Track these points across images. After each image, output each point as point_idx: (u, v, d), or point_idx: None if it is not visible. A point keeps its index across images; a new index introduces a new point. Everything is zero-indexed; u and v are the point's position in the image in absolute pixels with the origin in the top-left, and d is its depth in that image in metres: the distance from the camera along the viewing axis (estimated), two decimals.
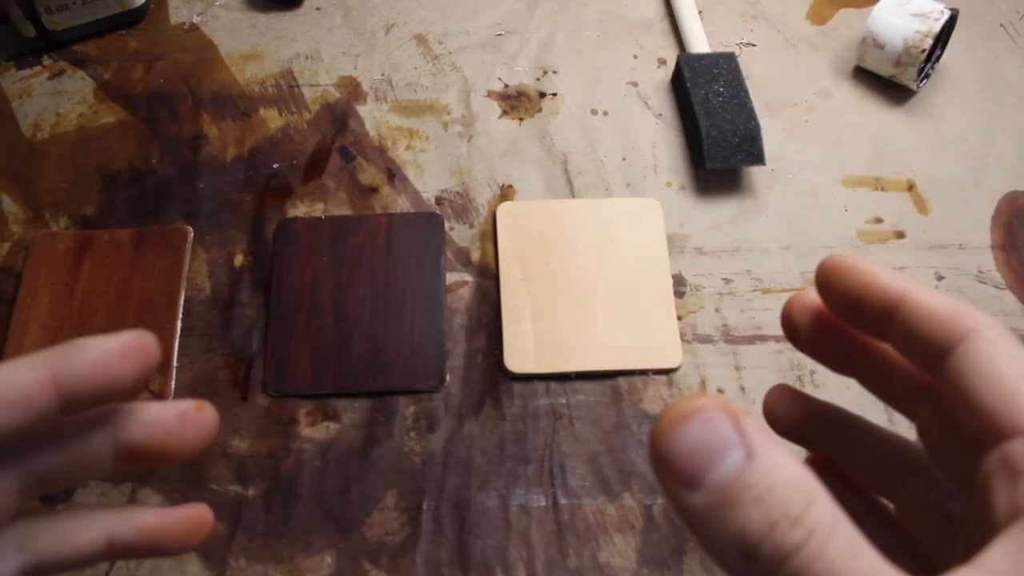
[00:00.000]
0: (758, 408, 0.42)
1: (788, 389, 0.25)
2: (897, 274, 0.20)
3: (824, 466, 0.26)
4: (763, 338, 0.44)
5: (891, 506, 0.24)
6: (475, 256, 0.47)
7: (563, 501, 0.40)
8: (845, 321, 0.22)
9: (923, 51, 0.49)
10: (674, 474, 0.15)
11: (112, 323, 0.44)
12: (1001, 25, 0.56)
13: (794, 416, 0.25)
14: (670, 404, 0.17)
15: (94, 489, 0.40)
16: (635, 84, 0.53)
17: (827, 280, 0.22)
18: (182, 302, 0.45)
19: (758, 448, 0.15)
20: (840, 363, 0.24)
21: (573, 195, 0.48)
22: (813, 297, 0.23)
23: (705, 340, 0.44)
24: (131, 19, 0.55)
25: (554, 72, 0.53)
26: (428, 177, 0.49)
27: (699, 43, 0.53)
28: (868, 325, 0.21)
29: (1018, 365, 0.17)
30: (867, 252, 0.47)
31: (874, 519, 0.24)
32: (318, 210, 0.48)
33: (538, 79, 0.53)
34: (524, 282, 0.45)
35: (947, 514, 0.21)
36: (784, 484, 0.15)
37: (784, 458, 0.15)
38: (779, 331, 0.44)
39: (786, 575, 0.14)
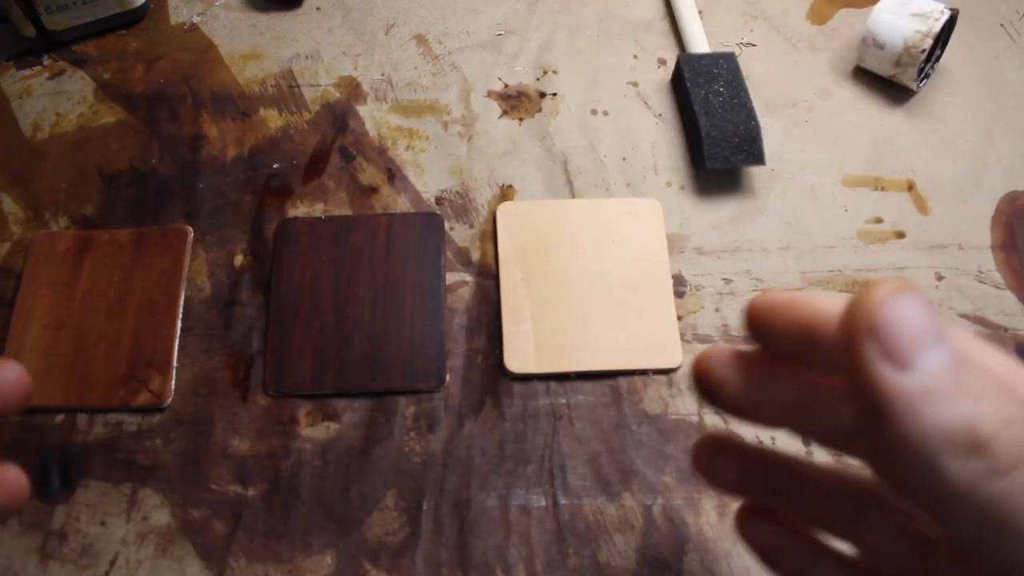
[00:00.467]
0: None
1: (719, 441, 0.23)
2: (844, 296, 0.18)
3: (762, 514, 0.24)
4: None
5: (846, 546, 0.22)
6: (475, 256, 0.47)
7: (563, 501, 0.40)
8: (785, 363, 0.20)
9: (923, 51, 0.49)
10: (885, 348, 0.14)
11: (112, 323, 0.44)
12: (1001, 25, 0.56)
13: (733, 469, 0.23)
14: (872, 283, 0.15)
15: (94, 489, 0.40)
16: (635, 84, 0.53)
17: (769, 320, 0.19)
18: (182, 302, 0.45)
19: (960, 343, 0.14)
20: (771, 414, 0.21)
21: (573, 195, 0.48)
22: (725, 348, 0.21)
23: (705, 340, 0.44)
24: (131, 19, 0.55)
25: (554, 72, 0.53)
26: (428, 177, 0.49)
27: (699, 43, 0.53)
28: (818, 360, 0.19)
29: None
30: (867, 252, 0.47)
31: (827, 563, 0.22)
32: (318, 210, 0.48)
33: (538, 79, 0.53)
34: (524, 282, 0.45)
35: (914, 537, 0.19)
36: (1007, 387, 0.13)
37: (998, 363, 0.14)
38: None
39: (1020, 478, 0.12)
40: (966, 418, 0.13)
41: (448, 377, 0.43)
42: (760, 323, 0.20)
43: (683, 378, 0.43)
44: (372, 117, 0.51)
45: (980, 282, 0.46)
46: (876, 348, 0.14)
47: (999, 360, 0.15)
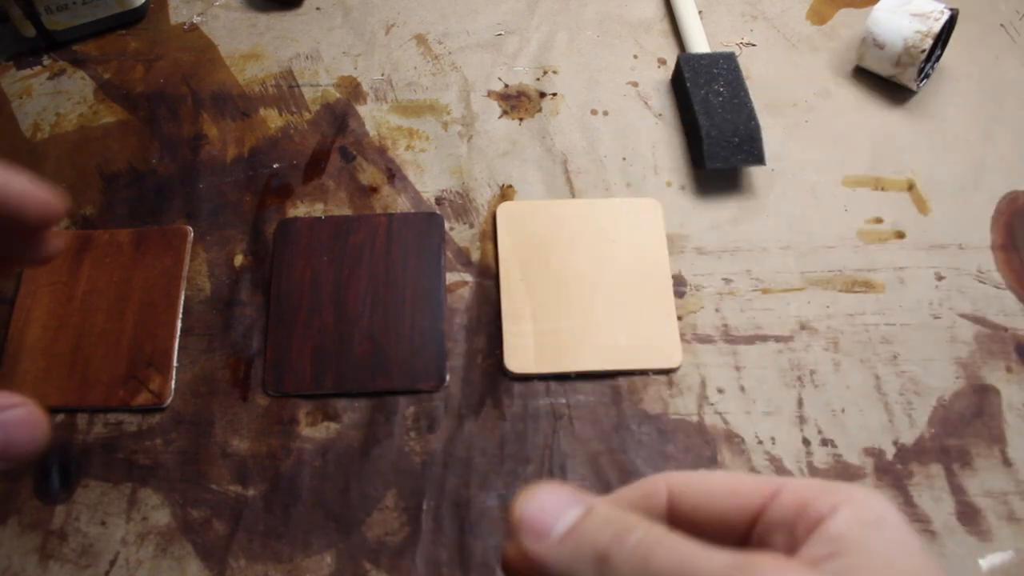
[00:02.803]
0: (759, 407, 0.42)
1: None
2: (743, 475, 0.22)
3: None
4: (763, 338, 0.44)
5: None
6: (475, 256, 0.47)
7: None
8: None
9: (923, 51, 0.49)
10: (527, 530, 0.19)
11: (112, 323, 0.44)
12: (1001, 25, 0.56)
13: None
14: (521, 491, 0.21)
15: (94, 489, 0.40)
16: (635, 84, 0.53)
17: (678, 506, 0.21)
18: (182, 302, 0.45)
19: (592, 501, 0.20)
20: None
21: (573, 195, 0.48)
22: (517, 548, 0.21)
23: (705, 340, 0.44)
24: (131, 19, 0.55)
25: (554, 72, 0.53)
26: (428, 177, 0.49)
27: (699, 43, 0.53)
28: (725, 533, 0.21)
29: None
30: (867, 252, 0.47)
31: None
32: (318, 210, 0.48)
33: (538, 79, 0.53)
34: (524, 282, 0.45)
35: None
36: (618, 512, 0.19)
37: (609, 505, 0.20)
38: (779, 331, 0.44)
39: (634, 564, 0.18)
40: (590, 547, 0.19)
41: (448, 377, 0.43)
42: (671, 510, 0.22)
43: (683, 378, 0.43)
44: (372, 117, 0.51)
45: (980, 282, 0.46)
46: (524, 531, 0.20)
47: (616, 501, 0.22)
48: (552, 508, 0.20)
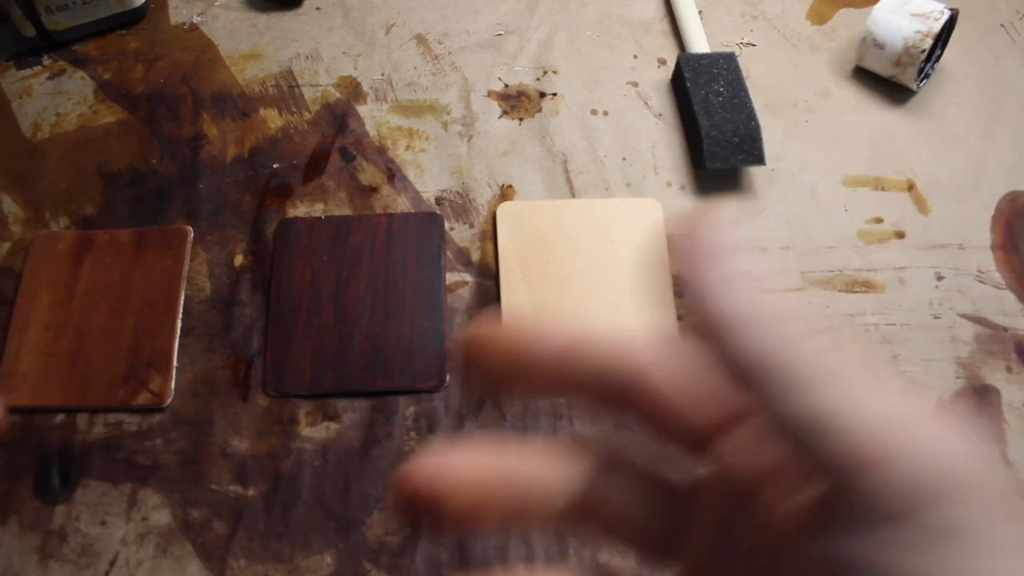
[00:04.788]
0: None
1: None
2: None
3: None
4: None
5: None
6: (475, 256, 0.47)
7: None
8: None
9: (923, 51, 0.49)
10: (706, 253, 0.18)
11: (112, 323, 0.44)
12: (1001, 25, 0.56)
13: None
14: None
15: (94, 489, 0.40)
16: (635, 84, 0.53)
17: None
18: (182, 302, 0.45)
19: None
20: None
21: (573, 195, 0.48)
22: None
23: None
24: (131, 19, 0.55)
25: (554, 72, 0.53)
26: (428, 177, 0.49)
27: (699, 43, 0.53)
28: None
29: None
30: (867, 252, 0.47)
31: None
32: (318, 210, 0.48)
33: (538, 79, 0.53)
34: (524, 282, 0.45)
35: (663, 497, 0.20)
36: None
37: None
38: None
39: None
40: (773, 305, 0.17)
41: (448, 377, 0.43)
42: (469, 356, 0.20)
43: None
44: (372, 117, 0.51)
45: (980, 282, 0.46)
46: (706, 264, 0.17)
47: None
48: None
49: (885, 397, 0.15)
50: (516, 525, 0.20)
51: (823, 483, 0.15)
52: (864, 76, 0.53)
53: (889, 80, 0.52)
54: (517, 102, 0.52)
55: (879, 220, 0.48)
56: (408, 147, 0.50)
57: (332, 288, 0.45)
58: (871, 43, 0.50)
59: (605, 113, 0.51)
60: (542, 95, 0.52)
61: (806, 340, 0.16)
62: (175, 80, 0.53)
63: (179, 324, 0.44)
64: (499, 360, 0.20)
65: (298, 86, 0.52)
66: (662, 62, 0.54)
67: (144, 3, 0.54)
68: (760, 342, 0.16)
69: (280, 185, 0.49)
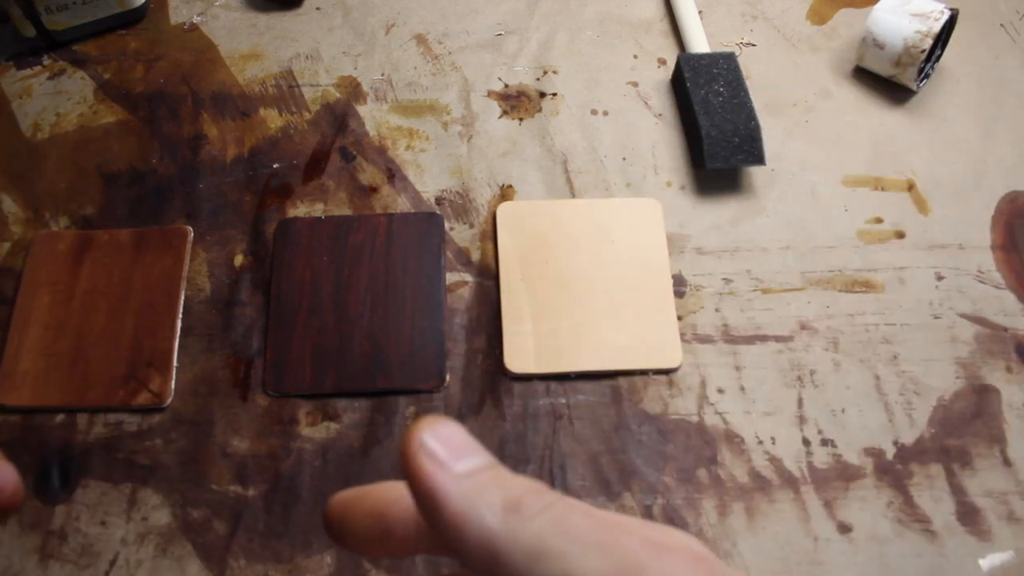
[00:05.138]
0: (759, 407, 0.42)
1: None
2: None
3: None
4: (763, 338, 0.44)
5: None
6: (475, 256, 0.47)
7: None
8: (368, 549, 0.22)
9: (923, 51, 0.49)
10: (432, 454, 0.17)
11: (112, 323, 0.44)
12: (1001, 25, 0.56)
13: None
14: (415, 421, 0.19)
15: (94, 489, 0.40)
16: (635, 84, 0.53)
17: (344, 516, 0.21)
18: (182, 302, 0.45)
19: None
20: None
21: (573, 195, 0.48)
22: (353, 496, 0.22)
23: (705, 340, 0.44)
24: (131, 19, 0.55)
25: (554, 72, 0.53)
26: (428, 177, 0.49)
27: (699, 43, 0.53)
28: (395, 543, 0.21)
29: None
30: (867, 252, 0.47)
31: None
32: (318, 210, 0.48)
33: (538, 79, 0.53)
34: (524, 282, 0.45)
35: None
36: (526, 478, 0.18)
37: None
38: (779, 331, 0.44)
39: (550, 517, 0.17)
40: (502, 494, 0.17)
41: (448, 377, 0.43)
42: (336, 523, 0.22)
43: (683, 378, 0.43)
44: (372, 117, 0.51)
45: (980, 282, 0.46)
46: (426, 454, 0.17)
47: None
48: (460, 444, 0.18)
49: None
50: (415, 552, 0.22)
51: None
52: (864, 76, 0.53)
53: (889, 80, 0.52)
54: (517, 102, 0.52)
55: (879, 220, 0.48)
56: (408, 147, 0.50)
57: (332, 288, 0.45)
58: (871, 43, 0.50)
59: (605, 113, 0.51)
60: (542, 95, 0.52)
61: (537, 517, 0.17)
62: (175, 80, 0.53)
63: (179, 324, 0.44)
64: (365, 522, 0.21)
65: (298, 86, 0.52)
66: (662, 62, 0.54)
67: (144, 3, 0.54)
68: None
69: (280, 185, 0.49)
